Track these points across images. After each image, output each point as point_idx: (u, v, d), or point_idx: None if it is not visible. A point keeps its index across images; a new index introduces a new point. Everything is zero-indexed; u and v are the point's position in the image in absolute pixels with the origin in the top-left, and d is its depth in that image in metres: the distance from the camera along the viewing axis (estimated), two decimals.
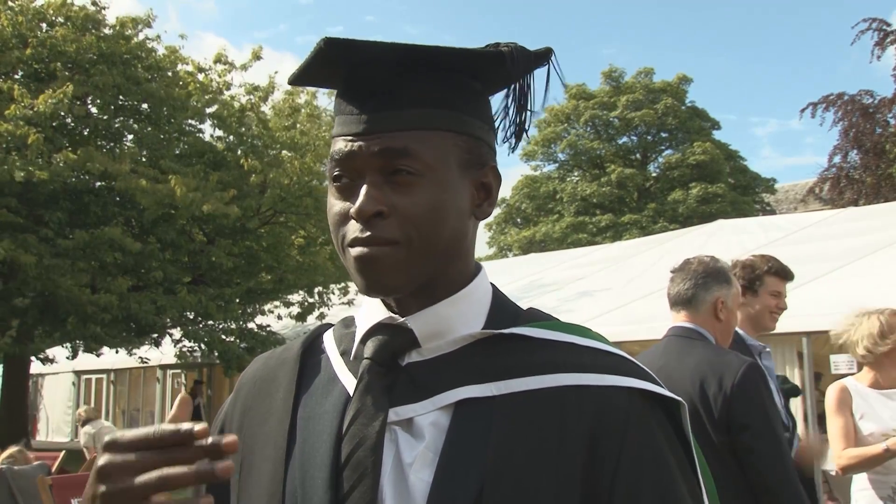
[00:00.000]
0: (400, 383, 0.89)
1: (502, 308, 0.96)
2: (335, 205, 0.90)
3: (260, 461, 0.93)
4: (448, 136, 0.89)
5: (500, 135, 0.99)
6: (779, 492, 2.31)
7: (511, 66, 0.89)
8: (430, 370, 0.89)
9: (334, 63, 0.89)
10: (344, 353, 0.97)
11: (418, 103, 0.88)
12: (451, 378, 0.88)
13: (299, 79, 0.93)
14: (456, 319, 0.91)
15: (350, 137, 0.88)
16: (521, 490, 0.82)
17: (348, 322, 1.02)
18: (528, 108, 0.96)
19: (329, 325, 1.05)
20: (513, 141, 0.99)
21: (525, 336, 0.90)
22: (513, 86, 0.96)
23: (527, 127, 0.97)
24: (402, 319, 0.91)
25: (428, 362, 0.90)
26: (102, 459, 0.73)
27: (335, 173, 0.90)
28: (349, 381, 0.93)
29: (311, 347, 1.02)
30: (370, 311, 0.95)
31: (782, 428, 2.42)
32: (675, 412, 0.91)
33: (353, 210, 0.86)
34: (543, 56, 0.94)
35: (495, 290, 0.98)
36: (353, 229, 0.87)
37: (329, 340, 1.01)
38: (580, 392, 0.86)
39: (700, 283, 2.62)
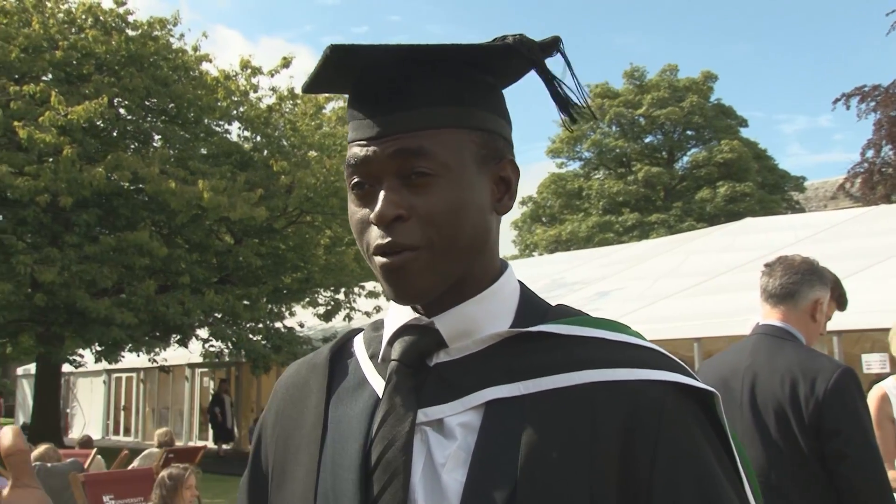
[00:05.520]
0: (428, 384, 0.90)
1: (531, 305, 0.95)
2: (356, 212, 0.90)
3: (293, 466, 0.95)
4: (462, 133, 0.88)
5: (561, 117, 0.99)
6: (870, 501, 2.18)
7: (526, 54, 0.89)
8: (459, 370, 0.89)
9: (343, 69, 0.89)
10: (372, 357, 0.97)
11: (428, 102, 0.87)
12: (479, 378, 0.88)
13: (312, 87, 0.93)
14: (483, 318, 0.91)
15: (364, 142, 0.88)
16: (556, 488, 0.82)
17: (377, 325, 1.02)
18: (561, 88, 0.94)
19: (359, 330, 1.06)
20: (569, 120, 0.99)
21: (553, 333, 0.90)
22: (541, 75, 0.94)
23: (574, 102, 0.95)
24: (429, 320, 0.91)
25: (456, 362, 0.90)
26: None
27: (354, 180, 0.90)
28: (378, 384, 0.93)
29: (341, 352, 1.02)
30: (397, 314, 0.95)
31: (875, 437, 2.26)
32: (710, 404, 0.89)
33: (372, 216, 0.86)
34: (551, 45, 0.92)
35: (523, 287, 0.97)
36: (376, 235, 0.87)
37: (358, 344, 1.02)
38: (612, 388, 0.85)
39: (806, 279, 2.46)
